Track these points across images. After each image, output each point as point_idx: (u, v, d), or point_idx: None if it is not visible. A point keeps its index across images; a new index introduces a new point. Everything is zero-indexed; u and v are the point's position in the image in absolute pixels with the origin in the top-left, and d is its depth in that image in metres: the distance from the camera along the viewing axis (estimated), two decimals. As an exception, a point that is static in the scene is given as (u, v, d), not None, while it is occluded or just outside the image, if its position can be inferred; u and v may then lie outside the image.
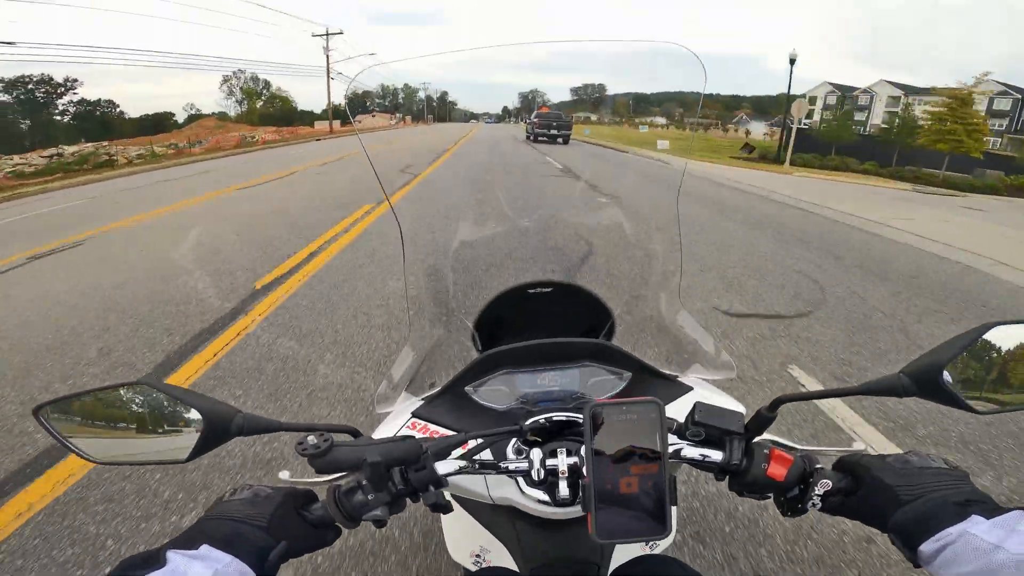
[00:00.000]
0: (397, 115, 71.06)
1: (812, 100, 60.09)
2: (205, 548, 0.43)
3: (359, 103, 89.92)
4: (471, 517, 0.68)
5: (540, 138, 18.28)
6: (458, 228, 1.35)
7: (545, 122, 18.78)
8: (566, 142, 17.93)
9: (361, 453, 0.50)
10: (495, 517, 0.65)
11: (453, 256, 1.18)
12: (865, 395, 0.48)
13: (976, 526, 0.38)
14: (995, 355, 0.46)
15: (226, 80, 71.64)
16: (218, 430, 0.49)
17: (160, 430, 0.50)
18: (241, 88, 72.06)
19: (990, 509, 0.40)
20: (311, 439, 0.50)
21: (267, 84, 72.94)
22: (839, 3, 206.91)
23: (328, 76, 38.91)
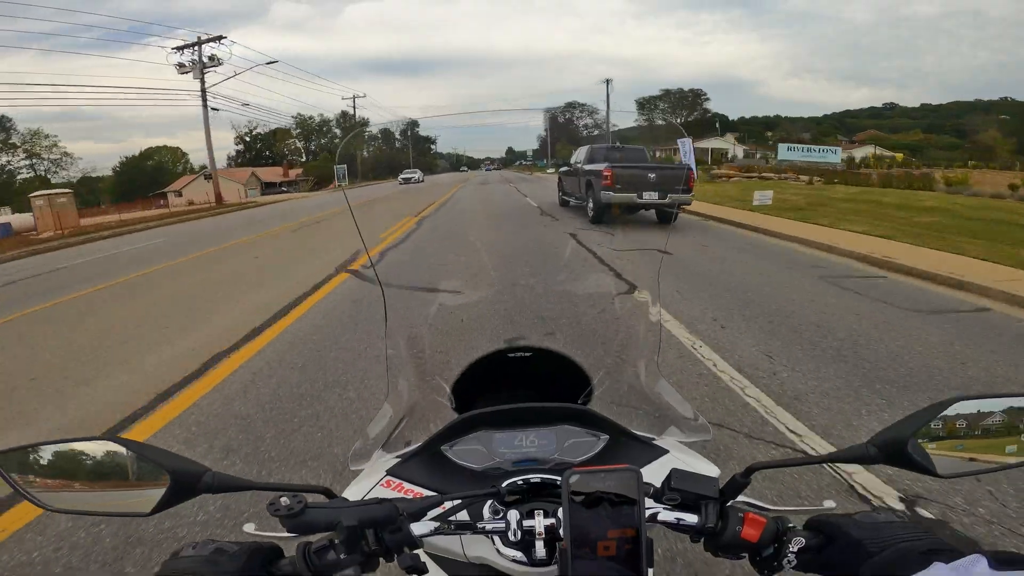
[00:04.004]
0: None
1: None
2: None
3: (260, 145, 63.56)
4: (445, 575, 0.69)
5: (608, 209, 8.46)
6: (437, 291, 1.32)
7: (632, 173, 8.33)
8: (673, 218, 8.99)
9: (336, 515, 0.50)
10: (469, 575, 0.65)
11: (431, 319, 1.21)
12: (835, 462, 0.52)
13: (937, 571, 0.40)
14: (958, 426, 0.50)
15: None
16: (184, 488, 0.49)
17: (123, 485, 0.50)
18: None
19: (950, 556, 0.42)
20: (284, 500, 0.49)
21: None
22: (814, 21, 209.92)
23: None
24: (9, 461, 0.49)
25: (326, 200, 24.31)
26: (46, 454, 0.50)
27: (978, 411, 0.50)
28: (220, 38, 28.45)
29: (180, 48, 28.53)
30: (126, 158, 65.23)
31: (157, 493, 0.48)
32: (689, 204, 9.49)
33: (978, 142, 56.19)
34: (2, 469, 0.49)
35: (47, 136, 51.89)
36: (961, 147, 57.04)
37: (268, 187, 52.59)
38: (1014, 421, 0.50)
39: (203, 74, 28.10)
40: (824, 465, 2.04)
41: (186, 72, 28.41)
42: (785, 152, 18.54)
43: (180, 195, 46.21)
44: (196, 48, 28.24)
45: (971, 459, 0.51)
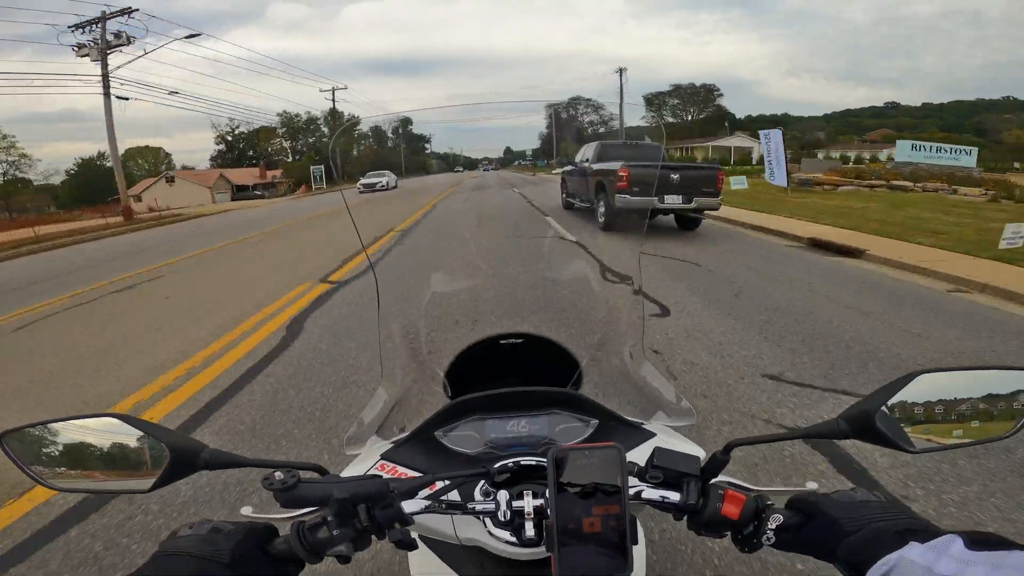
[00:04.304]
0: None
1: None
2: None
3: (244, 145, 58.23)
4: (438, 558, 0.68)
5: (626, 212, 7.17)
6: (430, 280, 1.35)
7: (652, 173, 6.55)
8: (696, 223, 8.12)
9: (328, 489, 0.50)
10: (462, 558, 0.66)
11: (425, 307, 1.23)
12: (809, 438, 0.52)
13: (912, 551, 0.40)
14: (922, 399, 0.51)
15: None
16: (183, 464, 0.49)
17: (125, 462, 0.51)
18: None
19: (926, 535, 0.41)
20: (278, 475, 0.49)
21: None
22: (814, 21, 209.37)
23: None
24: (12, 440, 0.50)
25: (277, 211, 18.68)
26: (49, 432, 0.51)
27: (943, 385, 0.51)
28: (129, 11, 22.56)
29: (79, 26, 22.57)
30: (81, 159, 59.96)
31: (157, 469, 0.49)
32: (716, 209, 7.92)
33: (1003, 142, 51.97)
34: (7, 448, 0.49)
35: (4, 136, 47.42)
36: (984, 147, 53.16)
37: (240, 190, 46.29)
38: (981, 397, 0.51)
39: (104, 56, 22.21)
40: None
41: (85, 54, 22.44)
42: (908, 152, 13.23)
43: (140, 200, 40.10)
44: (100, 25, 22.31)
45: (941, 435, 0.51)
